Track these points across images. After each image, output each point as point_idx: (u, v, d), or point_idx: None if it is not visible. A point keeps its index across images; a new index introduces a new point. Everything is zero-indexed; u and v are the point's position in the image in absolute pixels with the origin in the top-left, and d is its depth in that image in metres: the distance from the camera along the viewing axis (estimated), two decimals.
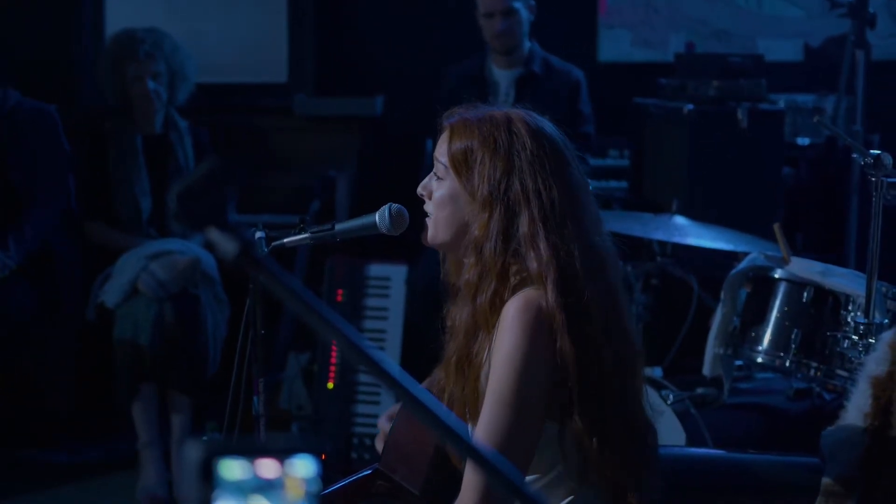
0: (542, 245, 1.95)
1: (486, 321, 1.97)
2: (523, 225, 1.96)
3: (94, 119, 4.38)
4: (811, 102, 4.97)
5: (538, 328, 1.90)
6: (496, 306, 1.97)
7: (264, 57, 5.23)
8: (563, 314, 1.91)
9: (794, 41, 5.33)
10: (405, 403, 1.17)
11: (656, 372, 3.35)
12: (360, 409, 4.04)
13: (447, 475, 2.01)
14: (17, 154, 4.07)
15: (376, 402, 4.03)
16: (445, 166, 2.05)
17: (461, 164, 2.02)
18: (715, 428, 3.12)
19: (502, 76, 4.50)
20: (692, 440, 3.06)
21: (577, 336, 1.92)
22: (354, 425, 4.03)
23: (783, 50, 5.30)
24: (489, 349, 1.97)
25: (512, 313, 1.92)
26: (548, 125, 2.06)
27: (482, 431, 1.91)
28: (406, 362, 3.99)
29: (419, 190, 2.11)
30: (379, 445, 2.22)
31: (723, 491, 2.58)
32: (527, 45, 4.50)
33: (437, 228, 2.07)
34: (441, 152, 2.07)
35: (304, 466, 1.01)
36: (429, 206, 2.09)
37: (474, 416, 1.99)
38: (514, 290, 1.97)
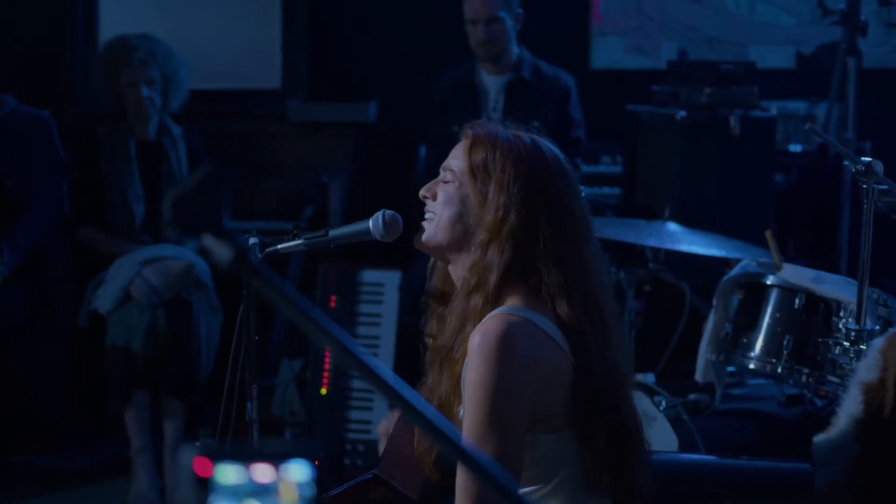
0: (564, 261, 1.99)
1: (475, 320, 1.99)
2: (542, 239, 2.00)
3: (87, 124, 4.38)
4: (803, 110, 4.98)
5: (500, 358, 1.90)
6: (488, 307, 1.98)
7: (258, 63, 5.23)
8: (572, 330, 1.95)
9: (786, 49, 5.35)
10: (399, 409, 1.17)
11: (649, 378, 3.36)
12: (354, 415, 4.04)
13: (446, 482, 2.02)
14: (11, 160, 4.07)
15: (369, 409, 4.03)
16: (458, 172, 2.07)
17: (479, 171, 2.04)
18: (707, 434, 3.13)
19: (491, 82, 4.51)
20: (684, 446, 3.07)
21: (580, 351, 1.95)
22: (348, 431, 4.03)
23: (775, 57, 5.32)
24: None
25: (475, 346, 1.92)
26: (560, 152, 2.10)
27: None
28: (399, 368, 3.99)
29: (422, 192, 2.12)
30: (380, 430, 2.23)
31: (715, 497, 2.59)
32: (515, 51, 4.50)
33: (437, 227, 2.07)
34: (454, 159, 2.09)
35: (298, 471, 1.01)
36: (431, 206, 2.10)
37: (450, 418, 2.00)
38: (503, 299, 1.98)
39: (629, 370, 2.07)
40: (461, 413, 2.01)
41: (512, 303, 1.98)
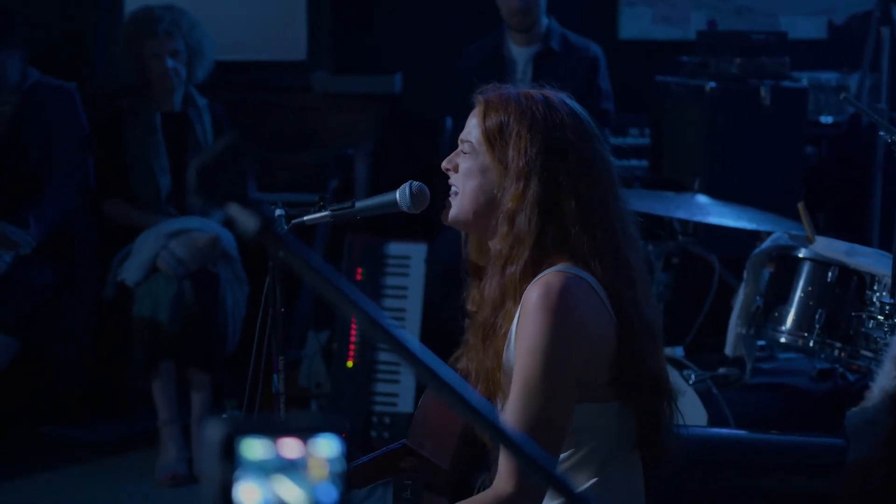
0: (592, 222, 1.95)
1: (514, 292, 1.95)
2: (568, 202, 1.95)
3: (111, 97, 4.37)
4: (835, 80, 4.91)
5: (561, 313, 1.88)
6: (527, 277, 1.94)
7: (283, 34, 5.20)
8: (613, 290, 1.93)
9: (818, 18, 5.27)
10: (428, 382, 1.15)
11: (677, 352, 3.33)
12: (380, 387, 4.03)
13: (476, 451, 2.00)
14: (36, 132, 4.07)
15: (395, 381, 4.02)
16: (475, 143, 2.03)
17: (495, 138, 2.00)
18: (737, 408, 3.10)
19: (520, 53, 4.46)
20: (714, 420, 3.04)
21: (621, 311, 1.93)
22: (373, 404, 4.02)
23: (806, 27, 5.24)
24: (513, 321, 1.95)
25: (534, 300, 1.89)
26: (578, 105, 2.05)
27: (511, 419, 1.89)
28: (425, 341, 3.97)
29: (444, 164, 2.08)
30: None
31: (745, 471, 2.56)
32: (544, 21, 4.46)
33: (462, 201, 2.03)
34: (470, 130, 2.05)
35: (327, 446, 0.99)
36: (454, 179, 2.06)
37: (496, 389, 1.98)
38: (545, 265, 1.95)
39: (660, 325, 2.03)
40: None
41: (560, 264, 1.94)
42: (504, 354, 1.97)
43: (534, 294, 1.90)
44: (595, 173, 1.99)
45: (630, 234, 2.02)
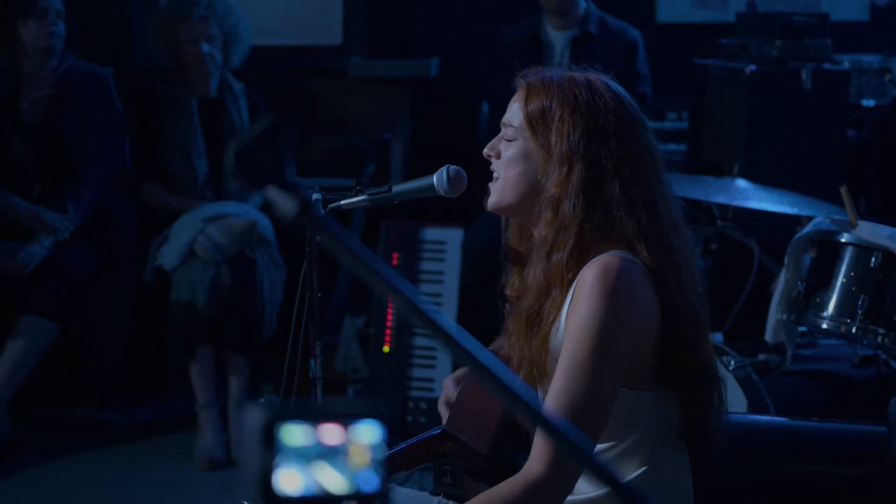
0: (637, 207, 1.93)
1: (560, 279, 1.94)
2: (613, 186, 1.94)
3: (148, 82, 4.38)
4: (877, 63, 4.84)
5: (618, 296, 1.86)
6: (573, 264, 1.93)
7: (319, 19, 5.20)
8: (659, 276, 1.91)
9: (860, 0, 5.20)
10: (468, 366, 1.14)
11: (717, 338, 3.29)
12: (416, 372, 4.02)
13: (515, 436, 1.99)
14: (71, 117, 4.09)
15: (432, 366, 4.01)
16: (517, 128, 2.01)
17: (538, 123, 1.98)
18: (777, 395, 3.06)
19: (557, 37, 4.43)
20: (754, 407, 3.01)
21: (666, 297, 1.91)
22: (410, 389, 4.01)
23: (848, 9, 5.17)
24: (561, 309, 1.94)
25: (591, 280, 1.88)
26: (622, 88, 2.03)
27: (555, 398, 1.87)
28: (462, 325, 3.95)
29: (486, 151, 2.07)
30: (441, 408, 2.19)
31: (786, 459, 2.54)
32: (582, 5, 4.43)
33: (504, 188, 2.02)
34: (513, 114, 2.03)
35: (369, 432, 0.98)
36: (496, 166, 2.05)
37: (542, 376, 1.96)
38: (592, 251, 1.93)
39: (707, 312, 2.01)
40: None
41: (609, 250, 1.92)
42: (552, 342, 1.95)
43: (590, 274, 1.89)
44: (638, 157, 1.97)
45: (675, 219, 2.00)
